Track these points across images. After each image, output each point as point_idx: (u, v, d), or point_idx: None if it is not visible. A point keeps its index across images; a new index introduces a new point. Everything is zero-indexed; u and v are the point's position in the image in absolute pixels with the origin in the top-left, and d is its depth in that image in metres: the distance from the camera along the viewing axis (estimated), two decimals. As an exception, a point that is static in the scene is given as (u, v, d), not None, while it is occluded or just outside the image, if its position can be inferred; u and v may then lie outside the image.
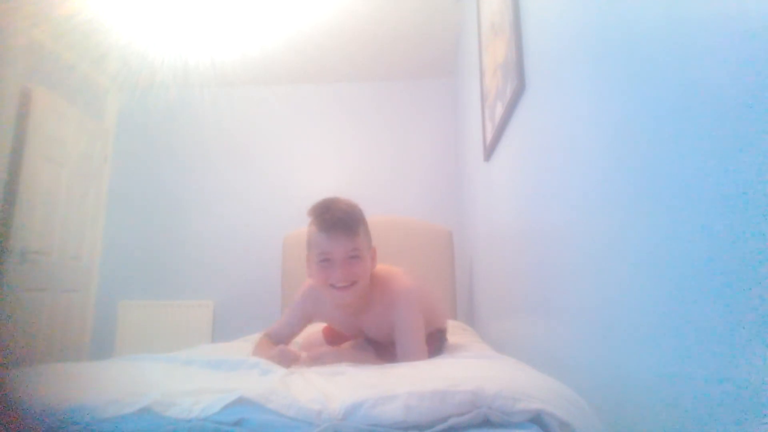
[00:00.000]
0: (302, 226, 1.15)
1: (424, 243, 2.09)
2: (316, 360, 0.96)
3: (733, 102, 0.38)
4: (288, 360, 0.92)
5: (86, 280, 2.92)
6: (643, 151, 0.53)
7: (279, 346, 0.99)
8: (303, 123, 3.13)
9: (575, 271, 0.76)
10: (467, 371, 0.68)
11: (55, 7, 2.33)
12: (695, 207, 0.43)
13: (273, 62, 2.86)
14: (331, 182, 2.96)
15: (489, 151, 1.56)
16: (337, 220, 0.92)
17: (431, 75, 3.07)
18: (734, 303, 0.38)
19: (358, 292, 0.95)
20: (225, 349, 1.24)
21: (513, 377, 0.58)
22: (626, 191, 0.58)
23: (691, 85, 0.44)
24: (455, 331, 1.36)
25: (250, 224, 3.02)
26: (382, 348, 1.07)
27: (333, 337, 1.24)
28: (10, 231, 2.35)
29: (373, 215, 1.17)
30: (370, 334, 1.08)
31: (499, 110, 1.32)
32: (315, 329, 1.30)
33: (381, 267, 1.05)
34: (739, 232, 0.37)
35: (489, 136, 1.54)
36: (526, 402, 0.47)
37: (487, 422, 0.47)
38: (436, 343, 1.07)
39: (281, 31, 2.57)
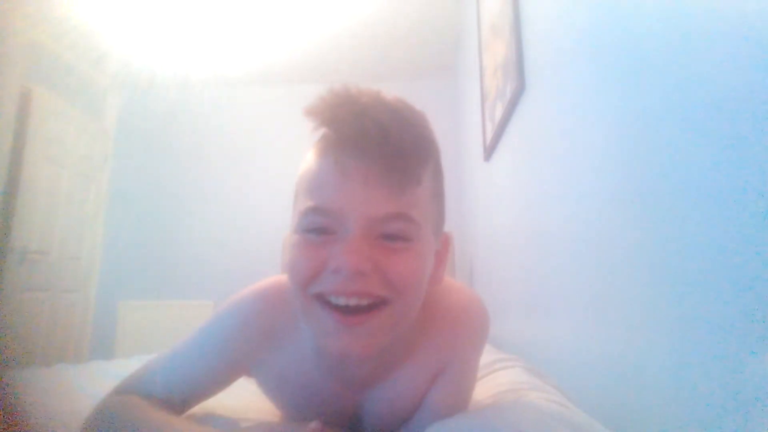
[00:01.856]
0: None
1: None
2: None
3: (733, 102, 0.38)
4: None
5: (86, 280, 2.92)
6: (643, 151, 0.53)
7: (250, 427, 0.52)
8: (303, 123, 3.12)
9: (575, 271, 0.76)
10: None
11: (55, 7, 2.33)
12: (696, 206, 0.43)
13: (273, 62, 2.86)
14: (331, 182, 2.95)
15: (489, 151, 1.56)
16: (372, 132, 0.39)
17: (431, 75, 3.07)
18: (735, 303, 0.38)
19: (387, 331, 0.41)
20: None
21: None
22: (626, 191, 0.58)
23: (691, 85, 0.44)
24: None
25: (250, 224, 3.02)
26: None
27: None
28: (10, 231, 2.35)
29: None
30: (370, 427, 0.53)
31: (499, 110, 1.32)
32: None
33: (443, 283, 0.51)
34: (739, 231, 0.37)
35: (489, 136, 1.54)
36: None
37: None
38: None
39: (281, 31, 2.57)
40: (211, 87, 3.13)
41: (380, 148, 0.39)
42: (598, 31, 0.66)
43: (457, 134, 2.83)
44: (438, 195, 0.46)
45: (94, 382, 0.80)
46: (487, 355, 0.83)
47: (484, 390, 0.59)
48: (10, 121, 2.40)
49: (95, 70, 2.99)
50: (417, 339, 0.49)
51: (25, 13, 2.37)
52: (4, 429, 0.56)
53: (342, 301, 0.39)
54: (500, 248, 1.43)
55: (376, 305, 0.40)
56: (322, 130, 0.42)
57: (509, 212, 1.29)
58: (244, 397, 0.65)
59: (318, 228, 0.40)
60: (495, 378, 0.66)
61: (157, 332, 2.82)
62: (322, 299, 0.40)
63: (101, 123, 3.13)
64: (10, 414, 0.62)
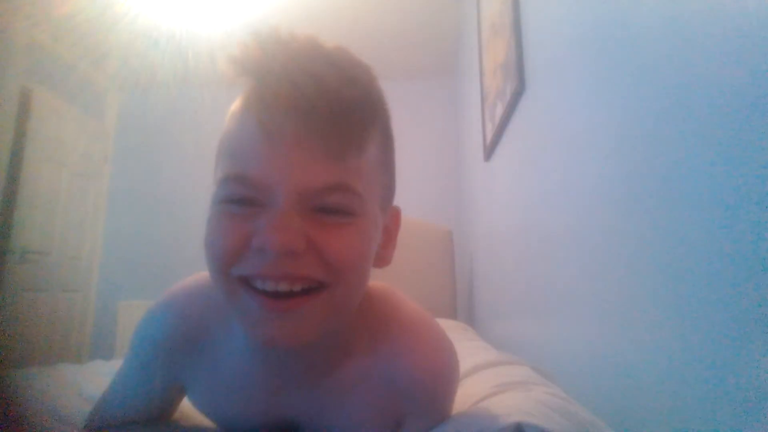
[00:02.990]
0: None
1: (423, 242, 2.09)
2: None
3: (734, 101, 0.38)
4: None
5: (86, 280, 2.92)
6: (643, 151, 0.53)
7: None
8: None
9: (575, 271, 0.76)
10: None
11: (55, 7, 2.33)
12: (696, 206, 0.43)
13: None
14: (331, 182, 2.96)
15: (489, 151, 1.56)
16: (305, 84, 0.32)
17: (431, 75, 3.07)
18: (735, 303, 0.38)
19: (323, 319, 0.35)
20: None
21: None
22: (626, 191, 0.58)
23: (692, 85, 0.44)
24: (455, 331, 1.36)
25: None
26: None
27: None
28: (10, 231, 2.35)
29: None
30: None
31: (499, 110, 1.32)
32: None
33: (381, 288, 0.46)
34: (739, 231, 0.37)
35: (489, 136, 1.54)
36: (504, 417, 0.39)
37: None
38: None
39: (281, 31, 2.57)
40: (211, 87, 3.13)
41: (315, 104, 0.31)
42: (599, 31, 0.66)
43: (457, 134, 2.83)
44: (386, 164, 0.40)
45: (94, 382, 0.80)
46: (491, 355, 0.83)
47: (488, 382, 0.59)
48: (10, 121, 2.40)
49: (95, 70, 2.99)
50: (366, 348, 0.41)
51: (25, 13, 2.37)
52: (4, 429, 0.56)
53: (269, 286, 0.33)
54: (500, 248, 1.43)
55: (312, 289, 0.34)
56: (246, 83, 0.35)
57: (509, 212, 1.29)
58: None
59: (241, 198, 0.34)
60: (500, 371, 0.65)
61: (157, 332, 2.82)
62: (246, 283, 0.34)
63: (101, 123, 3.13)
64: (10, 414, 0.62)
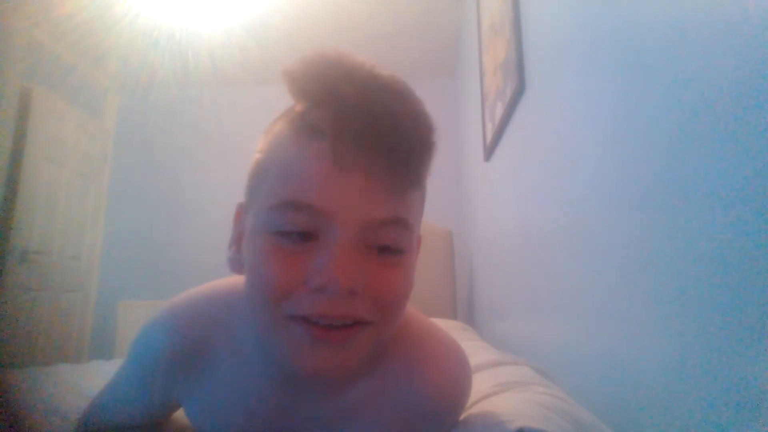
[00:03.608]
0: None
1: (423, 243, 2.08)
2: None
3: (733, 101, 0.38)
4: None
5: (86, 280, 2.92)
6: (642, 151, 0.53)
7: None
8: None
9: (575, 271, 0.76)
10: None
11: (55, 7, 2.33)
12: (696, 206, 0.43)
13: (273, 62, 2.86)
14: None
15: (489, 151, 1.56)
16: (381, 118, 0.32)
17: (431, 75, 3.07)
18: (735, 302, 0.38)
19: (366, 350, 0.36)
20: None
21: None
22: (626, 191, 0.58)
23: (691, 85, 0.44)
24: (455, 331, 1.36)
25: (250, 224, 3.02)
26: None
27: None
28: (10, 231, 2.35)
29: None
30: None
31: (499, 110, 1.32)
32: None
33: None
34: (739, 231, 0.37)
35: (489, 136, 1.54)
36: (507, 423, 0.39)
37: None
38: None
39: (281, 31, 2.57)
40: (211, 87, 3.13)
41: (389, 139, 0.31)
42: (599, 31, 0.66)
43: (457, 134, 2.83)
44: (424, 197, 0.40)
45: (94, 382, 0.80)
46: (491, 355, 0.83)
47: (488, 382, 0.59)
48: (10, 121, 2.40)
49: (95, 70, 2.99)
50: (376, 365, 0.41)
51: (25, 13, 2.37)
52: (4, 429, 0.56)
53: (324, 321, 0.32)
54: (500, 248, 1.43)
55: (359, 323, 0.33)
56: (308, 108, 0.34)
57: (509, 212, 1.29)
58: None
59: (296, 231, 0.32)
60: (500, 371, 0.65)
61: (157, 332, 2.82)
62: (298, 319, 0.33)
63: (101, 123, 3.13)
64: (10, 414, 0.62)
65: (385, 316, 0.34)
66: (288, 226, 0.32)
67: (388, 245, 0.34)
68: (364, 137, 0.31)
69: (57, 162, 2.67)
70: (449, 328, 1.27)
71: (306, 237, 0.32)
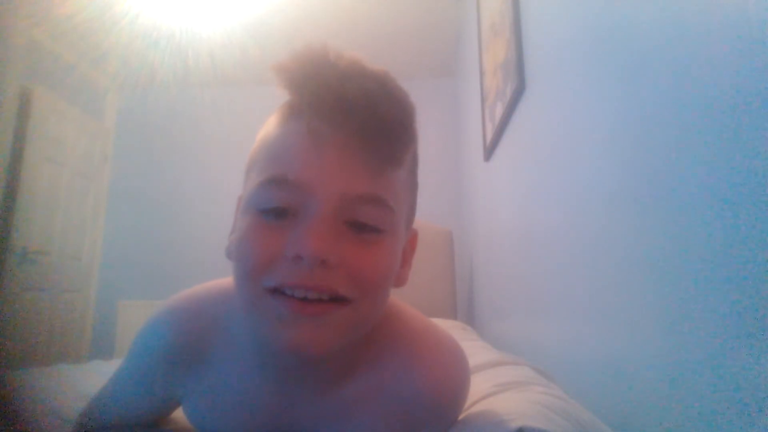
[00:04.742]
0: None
1: (423, 243, 2.07)
2: None
3: (733, 101, 0.38)
4: None
5: (86, 280, 2.92)
6: (642, 151, 0.53)
7: None
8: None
9: (575, 271, 0.76)
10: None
11: (55, 7, 2.33)
12: (695, 206, 0.43)
13: (273, 62, 2.85)
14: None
15: (489, 151, 1.56)
16: (357, 99, 0.33)
17: (431, 75, 3.07)
18: (734, 302, 0.38)
19: (345, 331, 0.35)
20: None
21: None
22: (626, 191, 0.58)
23: (691, 85, 0.44)
24: (455, 331, 1.36)
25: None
26: None
27: None
28: (10, 231, 2.35)
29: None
30: None
31: (499, 110, 1.32)
32: None
33: (396, 305, 0.45)
34: (739, 230, 0.37)
35: (489, 136, 1.54)
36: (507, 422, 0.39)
37: None
38: None
39: (281, 31, 2.57)
40: (211, 87, 3.13)
41: (364, 118, 0.33)
42: (598, 31, 0.66)
43: (457, 134, 2.83)
44: (412, 185, 0.41)
45: (94, 382, 0.80)
46: (491, 355, 0.83)
47: (488, 382, 0.59)
48: (10, 121, 2.40)
49: (95, 70, 2.99)
50: (373, 362, 0.41)
51: (25, 13, 2.37)
52: (4, 429, 0.56)
53: (299, 293, 0.33)
54: (500, 248, 1.43)
55: (338, 300, 0.34)
56: (292, 94, 0.36)
57: (509, 212, 1.29)
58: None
59: (277, 207, 0.34)
60: (500, 371, 0.65)
61: (157, 332, 2.82)
62: (275, 291, 0.34)
63: (101, 123, 3.13)
64: (10, 414, 0.62)
65: (363, 295, 0.35)
66: (270, 203, 0.34)
67: (366, 223, 0.34)
68: (339, 114, 0.33)
69: (57, 162, 2.67)
70: (449, 328, 1.28)
71: (287, 213, 0.34)
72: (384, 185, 0.35)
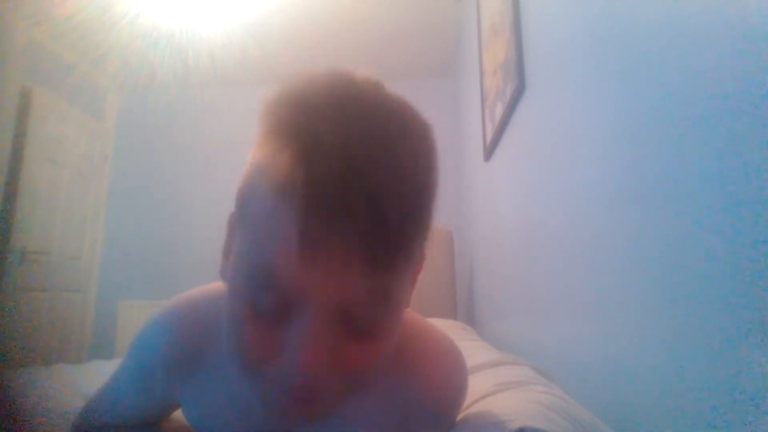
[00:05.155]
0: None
1: (424, 243, 2.08)
2: None
3: (733, 101, 0.38)
4: None
5: (86, 280, 2.92)
6: (642, 151, 0.53)
7: None
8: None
9: (575, 271, 0.76)
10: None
11: (55, 7, 2.33)
12: (695, 206, 0.43)
13: (273, 62, 2.86)
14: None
15: (489, 151, 1.56)
16: (362, 197, 0.26)
17: (431, 75, 3.07)
18: (734, 302, 0.38)
19: (344, 394, 0.33)
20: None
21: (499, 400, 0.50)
22: (626, 191, 0.58)
23: (691, 84, 0.44)
24: (455, 331, 1.36)
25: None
26: None
27: None
28: (10, 231, 2.35)
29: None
30: None
31: (499, 110, 1.32)
32: None
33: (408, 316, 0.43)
34: (738, 231, 0.37)
35: (489, 136, 1.54)
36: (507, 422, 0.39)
37: None
38: None
39: (281, 31, 2.57)
40: (211, 87, 3.13)
41: (371, 218, 0.26)
42: (598, 31, 0.66)
43: (457, 134, 2.83)
44: (430, 228, 0.35)
45: (94, 382, 0.80)
46: (491, 355, 0.83)
47: (488, 381, 0.59)
48: (10, 121, 2.40)
49: (95, 70, 2.99)
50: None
51: (25, 13, 2.37)
52: (4, 429, 0.56)
53: (293, 386, 0.30)
54: (500, 248, 1.43)
55: (327, 391, 0.31)
56: (276, 135, 0.29)
57: (509, 212, 1.29)
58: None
59: (268, 306, 0.29)
60: (500, 371, 0.65)
61: (157, 332, 2.82)
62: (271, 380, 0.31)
63: (101, 123, 3.13)
64: (10, 414, 0.62)
65: (363, 374, 0.32)
66: (260, 300, 0.29)
67: (365, 325, 0.30)
68: (341, 215, 0.26)
69: (57, 162, 2.67)
70: (449, 328, 1.27)
71: (280, 308, 0.29)
72: (388, 280, 0.29)
